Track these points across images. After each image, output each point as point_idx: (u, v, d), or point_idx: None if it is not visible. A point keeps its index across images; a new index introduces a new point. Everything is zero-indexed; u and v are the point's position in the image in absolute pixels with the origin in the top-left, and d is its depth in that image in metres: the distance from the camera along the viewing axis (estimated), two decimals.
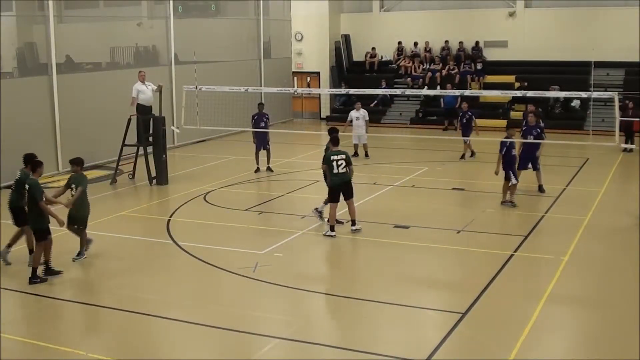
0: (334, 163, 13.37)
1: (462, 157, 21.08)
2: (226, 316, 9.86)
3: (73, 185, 12.00)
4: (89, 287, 11.25)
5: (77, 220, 12.11)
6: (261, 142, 19.52)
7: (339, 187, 13.45)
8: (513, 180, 15.37)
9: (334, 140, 13.69)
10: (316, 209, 14.43)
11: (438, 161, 20.82)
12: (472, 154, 21.19)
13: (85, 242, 12.29)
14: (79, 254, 12.18)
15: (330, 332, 9.59)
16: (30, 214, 11.31)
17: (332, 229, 13.49)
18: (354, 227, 13.67)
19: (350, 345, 8.95)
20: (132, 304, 10.21)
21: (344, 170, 13.38)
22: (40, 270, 11.25)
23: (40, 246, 11.20)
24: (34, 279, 11.07)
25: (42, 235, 11.19)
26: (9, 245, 12.14)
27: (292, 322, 9.75)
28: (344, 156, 13.41)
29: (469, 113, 21.17)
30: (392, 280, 11.34)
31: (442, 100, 27.97)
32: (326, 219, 13.93)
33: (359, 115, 20.76)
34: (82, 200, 12.04)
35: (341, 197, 13.56)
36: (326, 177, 13.77)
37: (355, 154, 21.25)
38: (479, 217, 14.81)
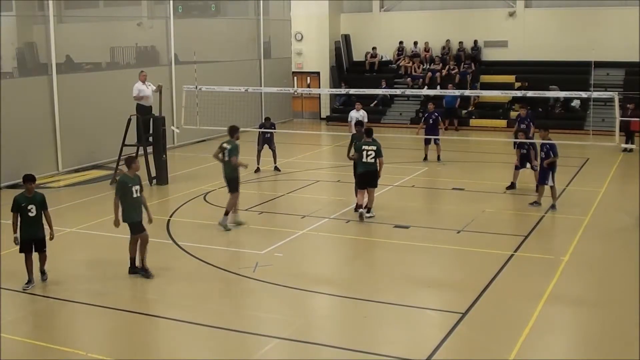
0: (364, 152, 14.34)
1: (425, 158, 20.81)
2: (226, 316, 9.86)
3: (31, 207, 10.78)
4: (88, 287, 11.23)
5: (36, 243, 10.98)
6: (267, 144, 19.57)
7: (365, 174, 14.37)
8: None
9: (368, 131, 14.69)
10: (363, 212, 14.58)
11: (438, 161, 20.80)
12: (425, 157, 20.78)
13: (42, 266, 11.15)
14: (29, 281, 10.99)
15: (330, 332, 9.59)
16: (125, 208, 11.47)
17: (368, 210, 14.48)
18: (367, 214, 14.37)
19: (350, 345, 8.95)
20: (132, 304, 10.22)
21: (372, 160, 14.27)
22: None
23: (133, 239, 11.42)
24: (132, 270, 11.39)
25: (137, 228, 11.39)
26: (227, 213, 13.88)
27: (292, 322, 9.74)
28: (374, 147, 14.33)
29: (435, 114, 21.00)
30: (392, 280, 11.34)
31: (443, 100, 27.90)
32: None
33: (358, 115, 20.77)
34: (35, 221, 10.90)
35: None
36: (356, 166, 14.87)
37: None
38: (479, 217, 14.81)
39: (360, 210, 14.46)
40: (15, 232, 10.72)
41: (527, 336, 8.95)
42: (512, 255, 12.22)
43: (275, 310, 10.25)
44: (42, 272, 11.16)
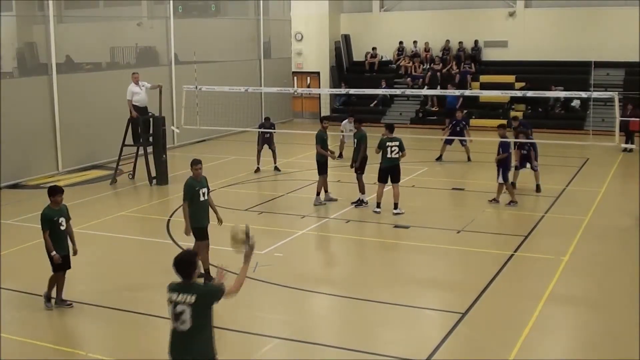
0: (389, 148, 14.88)
1: (439, 158, 20.91)
2: (226, 316, 9.85)
3: (61, 220, 9.99)
4: (88, 287, 11.24)
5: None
6: (267, 143, 19.63)
7: (389, 169, 14.91)
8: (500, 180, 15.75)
9: (390, 127, 15.29)
10: (360, 201, 15.66)
11: (444, 161, 20.79)
12: (440, 157, 20.96)
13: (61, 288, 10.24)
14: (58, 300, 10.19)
15: (330, 332, 9.59)
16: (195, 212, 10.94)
17: (378, 205, 15.00)
18: (395, 211, 14.83)
19: (350, 345, 8.95)
20: (132, 304, 10.21)
21: (397, 155, 14.89)
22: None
23: (199, 246, 10.88)
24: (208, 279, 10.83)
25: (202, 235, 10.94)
26: (318, 193, 15.76)
27: (292, 322, 9.75)
28: (397, 143, 14.91)
29: (463, 122, 21.05)
30: (392, 280, 11.34)
31: (444, 100, 27.82)
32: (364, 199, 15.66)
33: (352, 127, 20.89)
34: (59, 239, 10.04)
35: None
36: (357, 160, 15.59)
37: (340, 155, 21.40)
38: (479, 217, 14.81)
39: (394, 210, 14.85)
40: (52, 250, 9.75)
41: (527, 336, 8.95)
42: (512, 255, 12.22)
43: (275, 310, 10.25)
44: (63, 300, 10.12)
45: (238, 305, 10.36)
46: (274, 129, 20.00)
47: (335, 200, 15.96)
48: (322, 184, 15.87)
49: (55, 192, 9.97)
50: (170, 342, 6.39)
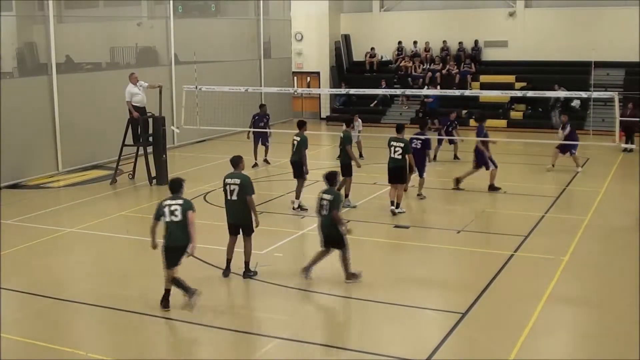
0: (392, 148, 14.81)
1: (434, 158, 21.07)
2: (226, 316, 9.86)
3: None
4: (88, 287, 11.24)
5: None
6: (261, 139, 19.82)
7: (392, 170, 14.85)
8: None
9: (398, 127, 15.19)
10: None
11: (438, 161, 20.80)
12: (434, 157, 20.86)
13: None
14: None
15: (330, 332, 9.59)
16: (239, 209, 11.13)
17: (392, 204, 14.86)
18: (397, 210, 14.80)
19: (350, 345, 8.96)
20: (132, 304, 10.21)
21: (399, 156, 14.72)
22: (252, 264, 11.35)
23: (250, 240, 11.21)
24: (247, 273, 11.16)
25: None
26: (346, 196, 15.19)
27: (292, 322, 9.74)
28: (402, 144, 14.76)
29: (455, 122, 21.15)
30: (392, 280, 11.34)
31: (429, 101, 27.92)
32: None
33: (355, 125, 20.96)
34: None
35: None
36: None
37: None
38: (479, 217, 14.81)
39: (391, 207, 14.82)
40: None
41: (527, 336, 8.95)
42: (512, 255, 12.22)
43: (275, 310, 10.25)
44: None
45: (238, 305, 10.39)
46: (269, 118, 20.37)
47: (354, 207, 15.39)
48: (348, 186, 15.33)
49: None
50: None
